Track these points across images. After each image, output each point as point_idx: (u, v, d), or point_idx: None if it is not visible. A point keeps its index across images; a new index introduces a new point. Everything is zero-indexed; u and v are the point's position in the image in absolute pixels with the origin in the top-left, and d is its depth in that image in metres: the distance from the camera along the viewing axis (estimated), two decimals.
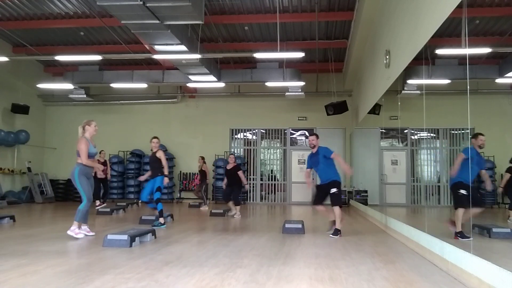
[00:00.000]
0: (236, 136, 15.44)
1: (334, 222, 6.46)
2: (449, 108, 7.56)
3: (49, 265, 3.95)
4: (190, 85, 13.50)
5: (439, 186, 9.64)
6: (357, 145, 13.62)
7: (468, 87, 3.66)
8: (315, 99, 14.18)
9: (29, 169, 14.01)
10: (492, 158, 8.62)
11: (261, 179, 15.08)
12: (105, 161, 11.17)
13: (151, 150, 7.88)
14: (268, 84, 12.80)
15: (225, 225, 7.70)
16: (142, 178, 8.43)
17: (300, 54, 10.38)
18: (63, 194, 15.05)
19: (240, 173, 9.49)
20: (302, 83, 12.66)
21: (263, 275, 3.65)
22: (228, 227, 7.36)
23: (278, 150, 15.38)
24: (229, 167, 9.68)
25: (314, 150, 6.60)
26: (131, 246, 4.99)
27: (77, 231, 5.73)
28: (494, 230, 5.08)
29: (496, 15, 5.75)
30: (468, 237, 4.89)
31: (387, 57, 7.15)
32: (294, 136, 15.36)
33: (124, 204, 11.72)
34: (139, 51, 12.03)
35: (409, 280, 3.54)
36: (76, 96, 14.03)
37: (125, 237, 5.03)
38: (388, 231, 6.84)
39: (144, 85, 13.57)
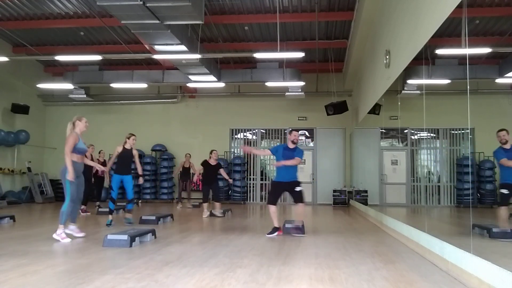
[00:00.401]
0: (236, 136, 15.43)
1: (276, 229, 6.37)
2: (449, 108, 7.56)
3: (49, 265, 3.95)
4: (190, 85, 13.50)
5: (439, 186, 9.64)
6: (357, 145, 13.62)
7: (468, 87, 3.66)
8: (315, 99, 14.18)
9: (29, 169, 14.01)
10: (492, 158, 8.61)
11: (261, 179, 15.08)
12: (105, 161, 11.17)
13: (125, 147, 7.78)
14: (268, 84, 12.80)
15: (225, 225, 7.71)
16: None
17: (300, 54, 10.39)
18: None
19: (222, 170, 9.56)
20: (302, 83, 12.66)
21: (263, 275, 3.65)
22: (228, 227, 7.36)
23: None
24: (212, 163, 9.49)
25: (292, 147, 6.63)
26: (131, 246, 4.99)
27: (63, 235, 5.43)
28: (494, 230, 5.07)
29: (496, 15, 5.75)
30: None
31: (387, 57, 7.15)
32: None
33: (124, 204, 11.70)
34: (139, 51, 12.03)
35: (409, 280, 3.54)
36: (76, 96, 14.03)
37: (125, 237, 5.03)
38: (388, 231, 6.84)
39: (144, 85, 13.58)
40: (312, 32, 11.79)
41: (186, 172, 12.02)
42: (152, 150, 15.08)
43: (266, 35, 12.02)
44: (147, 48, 10.62)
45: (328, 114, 13.19)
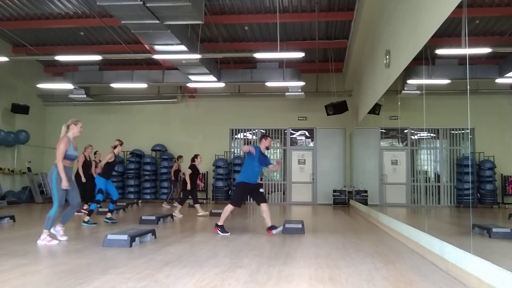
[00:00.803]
0: (236, 136, 15.44)
1: (220, 227, 6.43)
2: (449, 108, 7.56)
3: (49, 265, 3.95)
4: (190, 85, 13.50)
5: (439, 186, 9.63)
6: (357, 145, 13.62)
7: (468, 87, 3.66)
8: (315, 99, 14.18)
9: (29, 169, 14.01)
10: (492, 158, 8.61)
11: (261, 179, 15.07)
12: (100, 161, 11.17)
13: (117, 153, 8.07)
14: (268, 84, 12.80)
15: (225, 225, 7.69)
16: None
17: (300, 54, 10.39)
18: None
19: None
20: (302, 83, 12.66)
21: (263, 275, 3.65)
22: (228, 227, 7.35)
23: (278, 150, 15.38)
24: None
25: (266, 152, 6.90)
26: (131, 246, 4.99)
27: (49, 238, 5.23)
28: (494, 230, 5.07)
29: (496, 15, 5.75)
30: None
31: (387, 57, 7.15)
32: (294, 136, 15.35)
33: (124, 204, 11.70)
34: (139, 51, 12.04)
35: (409, 280, 3.54)
36: (76, 96, 14.02)
37: (125, 237, 5.03)
38: (388, 231, 6.84)
39: (144, 85, 13.58)
40: (312, 32, 11.79)
41: (177, 174, 12.33)
42: (152, 150, 15.08)
43: (266, 35, 12.03)
44: (147, 48, 10.62)
45: (328, 114, 13.19)
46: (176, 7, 7.49)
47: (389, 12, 7.26)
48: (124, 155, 15.12)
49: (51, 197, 14.82)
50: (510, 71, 5.68)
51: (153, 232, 5.73)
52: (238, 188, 6.72)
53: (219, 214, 9.33)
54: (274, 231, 6.37)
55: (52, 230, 5.38)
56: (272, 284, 3.34)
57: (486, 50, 5.63)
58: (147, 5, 7.35)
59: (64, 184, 5.26)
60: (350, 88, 13.90)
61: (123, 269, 3.80)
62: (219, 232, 6.39)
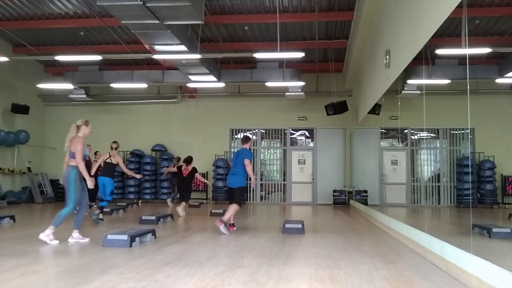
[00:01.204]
0: (236, 136, 15.43)
1: (225, 223, 6.63)
2: (449, 108, 7.56)
3: (49, 265, 3.95)
4: (190, 85, 13.49)
5: (439, 186, 9.63)
6: (357, 145, 13.62)
7: (468, 87, 3.66)
8: (315, 99, 14.18)
9: (29, 169, 14.02)
10: (492, 158, 8.61)
11: (261, 179, 15.08)
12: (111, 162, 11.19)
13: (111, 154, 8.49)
14: (268, 84, 12.80)
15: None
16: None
17: (300, 54, 10.38)
18: (63, 194, 14.91)
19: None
20: (302, 83, 12.66)
21: (263, 275, 3.65)
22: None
23: (278, 150, 15.38)
24: (185, 170, 9.80)
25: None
26: (131, 246, 4.99)
27: (52, 237, 5.27)
28: (494, 230, 5.07)
29: (496, 15, 5.74)
30: None
31: (387, 57, 7.15)
32: (294, 136, 15.35)
33: (124, 204, 11.72)
34: (139, 51, 12.03)
35: (409, 280, 3.54)
36: (76, 96, 14.02)
37: (125, 237, 5.03)
38: (388, 231, 6.84)
39: (144, 85, 13.57)
40: (312, 32, 11.79)
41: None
42: (152, 150, 15.08)
43: (266, 35, 12.02)
44: (147, 48, 10.62)
45: (328, 114, 13.19)
46: (176, 7, 7.49)
47: (389, 12, 7.26)
48: (124, 155, 15.11)
49: (51, 197, 14.82)
50: (510, 71, 5.68)
51: (153, 232, 5.73)
52: (243, 191, 7.01)
53: (219, 214, 9.40)
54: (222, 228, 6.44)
55: (70, 240, 5.43)
56: (272, 284, 3.34)
57: (486, 50, 5.63)
58: (147, 5, 7.35)
59: (90, 184, 5.50)
60: (350, 88, 13.90)
61: (123, 269, 3.80)
62: (221, 228, 6.42)
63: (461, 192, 8.85)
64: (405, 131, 10.73)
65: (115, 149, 8.40)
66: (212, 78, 12.45)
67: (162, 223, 7.80)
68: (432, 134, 10.24)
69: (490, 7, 5.54)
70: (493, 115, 6.51)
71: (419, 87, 6.17)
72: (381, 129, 10.41)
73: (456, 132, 9.81)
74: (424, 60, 5.36)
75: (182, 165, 9.87)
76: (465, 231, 5.03)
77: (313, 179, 14.83)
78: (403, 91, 6.91)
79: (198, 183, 14.18)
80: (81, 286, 3.18)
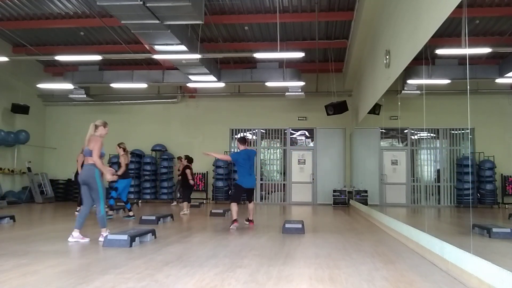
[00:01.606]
0: (236, 136, 15.42)
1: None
2: (449, 108, 7.56)
3: (49, 265, 3.95)
4: (190, 85, 13.49)
5: (439, 186, 9.64)
6: (357, 145, 13.62)
7: (468, 87, 3.66)
8: (315, 99, 14.18)
9: (29, 169, 14.01)
10: (492, 158, 8.62)
11: (261, 179, 15.08)
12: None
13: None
14: (268, 84, 12.80)
15: (225, 225, 7.70)
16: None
17: (300, 54, 10.38)
18: (63, 194, 15.05)
19: (187, 171, 10.35)
20: (302, 83, 12.66)
21: (263, 275, 3.65)
22: (228, 227, 7.35)
23: (278, 150, 15.38)
24: (181, 167, 10.65)
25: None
26: (131, 246, 4.99)
27: (105, 233, 5.43)
28: (494, 230, 5.07)
29: (496, 15, 5.75)
30: None
31: (387, 57, 7.15)
32: (294, 136, 15.35)
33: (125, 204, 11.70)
34: (139, 51, 12.03)
35: (409, 280, 3.54)
36: (76, 96, 14.02)
37: (125, 237, 5.03)
38: (388, 231, 6.84)
39: (144, 85, 13.57)
40: (312, 32, 11.79)
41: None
42: (152, 150, 15.08)
43: (266, 35, 12.02)
44: (147, 48, 10.62)
45: (328, 114, 13.19)
46: (176, 7, 7.49)
47: (389, 12, 7.26)
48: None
49: (51, 197, 14.79)
50: (510, 71, 5.68)
51: (153, 232, 5.73)
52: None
53: (219, 214, 9.42)
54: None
55: (70, 239, 5.45)
56: (272, 284, 3.34)
57: (486, 50, 5.64)
58: (147, 5, 7.35)
59: (110, 176, 5.67)
60: (350, 88, 13.90)
61: (123, 269, 3.80)
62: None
63: (461, 192, 8.86)
64: (405, 131, 10.74)
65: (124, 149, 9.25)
66: (212, 78, 12.45)
67: (162, 223, 7.80)
68: (432, 134, 10.25)
69: (490, 7, 5.55)
70: (493, 115, 6.52)
71: (419, 87, 6.17)
72: (381, 129, 10.42)
73: (456, 132, 9.82)
74: (424, 60, 5.36)
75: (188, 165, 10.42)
76: (465, 231, 5.04)
77: (313, 179, 14.82)
78: (403, 91, 6.91)
79: (198, 183, 14.20)
80: (81, 286, 3.18)
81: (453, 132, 9.96)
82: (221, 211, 9.48)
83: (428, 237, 4.55)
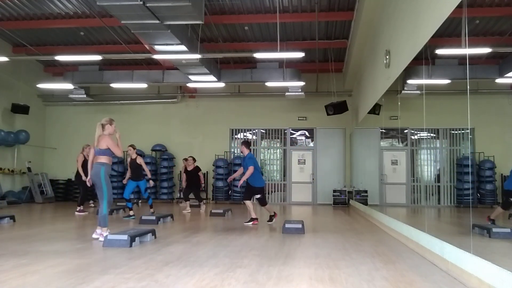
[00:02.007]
0: (236, 136, 15.43)
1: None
2: (449, 108, 7.56)
3: (49, 265, 3.95)
4: (190, 85, 13.49)
5: (439, 186, 9.64)
6: (357, 145, 13.62)
7: (468, 87, 3.66)
8: (315, 99, 14.18)
9: (29, 169, 14.01)
10: (492, 158, 8.62)
11: None
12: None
13: (130, 156, 9.64)
14: (268, 84, 12.80)
15: (225, 225, 7.70)
16: (125, 181, 9.96)
17: (300, 54, 10.38)
18: (63, 194, 15.04)
19: (200, 174, 10.95)
20: (302, 83, 12.66)
21: (263, 275, 3.65)
22: (228, 227, 7.36)
23: (278, 150, 15.38)
24: (189, 168, 10.83)
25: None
26: (131, 246, 4.99)
27: (105, 233, 5.46)
28: (494, 230, 5.07)
29: (496, 15, 5.75)
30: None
31: (387, 57, 7.15)
32: (294, 136, 15.36)
33: (124, 204, 11.70)
34: (139, 51, 12.03)
35: (409, 280, 3.54)
36: (76, 96, 14.02)
37: (125, 237, 5.03)
38: (388, 231, 6.84)
39: (144, 85, 13.57)
40: (312, 32, 11.79)
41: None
42: (152, 150, 15.08)
43: (266, 35, 12.02)
44: (147, 48, 10.62)
45: (328, 114, 13.19)
46: (176, 7, 7.49)
47: (389, 12, 7.26)
48: (125, 155, 15.10)
49: (51, 197, 14.81)
50: (510, 71, 5.68)
51: (153, 232, 5.73)
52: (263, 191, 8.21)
53: (219, 214, 9.42)
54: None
55: (94, 235, 5.60)
56: (272, 284, 3.34)
57: (486, 50, 5.64)
58: (147, 5, 7.35)
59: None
60: (350, 88, 13.90)
61: (123, 269, 3.80)
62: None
63: (461, 192, 8.86)
64: (405, 131, 10.75)
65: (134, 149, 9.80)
66: (212, 78, 12.45)
67: (162, 223, 7.80)
68: (432, 134, 10.25)
69: (490, 7, 5.55)
70: (493, 115, 6.52)
71: (419, 87, 6.17)
72: (381, 129, 10.42)
73: (456, 132, 9.82)
74: (424, 60, 5.37)
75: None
76: (465, 231, 5.04)
77: (313, 179, 14.83)
78: (403, 91, 6.91)
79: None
80: (81, 286, 3.18)
81: (453, 132, 9.97)
82: (221, 211, 9.49)
83: (428, 237, 4.55)
